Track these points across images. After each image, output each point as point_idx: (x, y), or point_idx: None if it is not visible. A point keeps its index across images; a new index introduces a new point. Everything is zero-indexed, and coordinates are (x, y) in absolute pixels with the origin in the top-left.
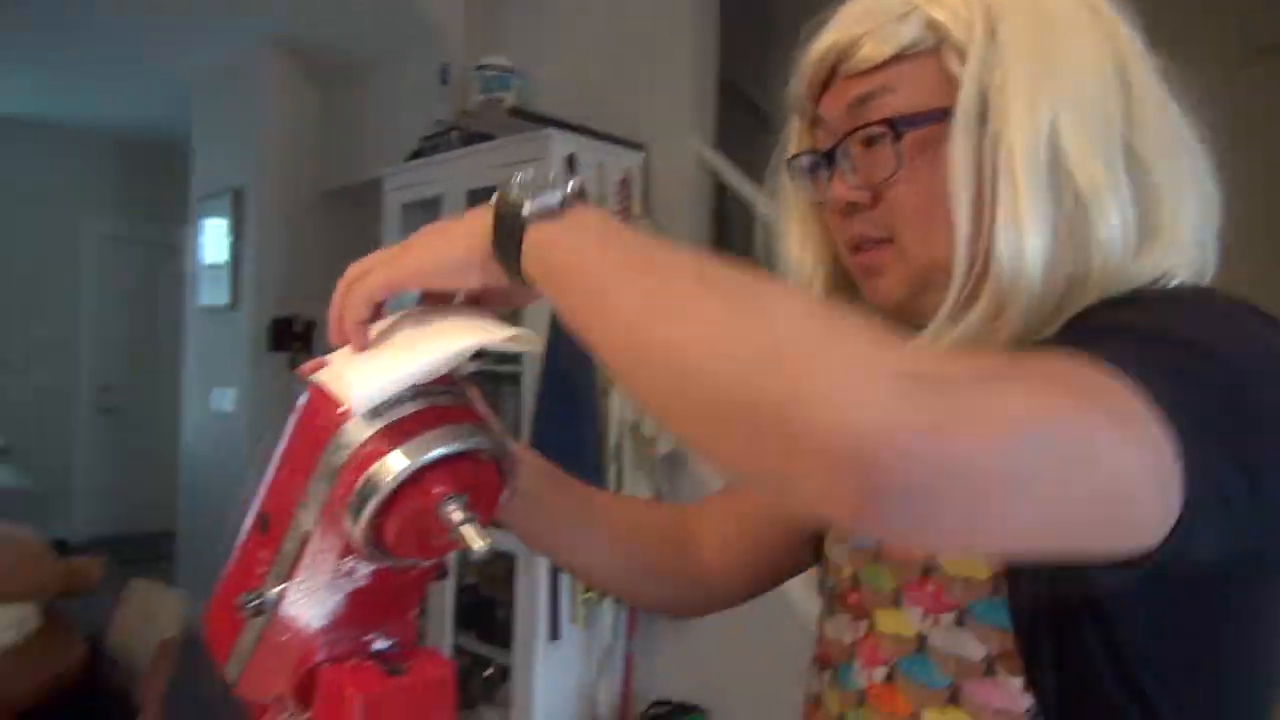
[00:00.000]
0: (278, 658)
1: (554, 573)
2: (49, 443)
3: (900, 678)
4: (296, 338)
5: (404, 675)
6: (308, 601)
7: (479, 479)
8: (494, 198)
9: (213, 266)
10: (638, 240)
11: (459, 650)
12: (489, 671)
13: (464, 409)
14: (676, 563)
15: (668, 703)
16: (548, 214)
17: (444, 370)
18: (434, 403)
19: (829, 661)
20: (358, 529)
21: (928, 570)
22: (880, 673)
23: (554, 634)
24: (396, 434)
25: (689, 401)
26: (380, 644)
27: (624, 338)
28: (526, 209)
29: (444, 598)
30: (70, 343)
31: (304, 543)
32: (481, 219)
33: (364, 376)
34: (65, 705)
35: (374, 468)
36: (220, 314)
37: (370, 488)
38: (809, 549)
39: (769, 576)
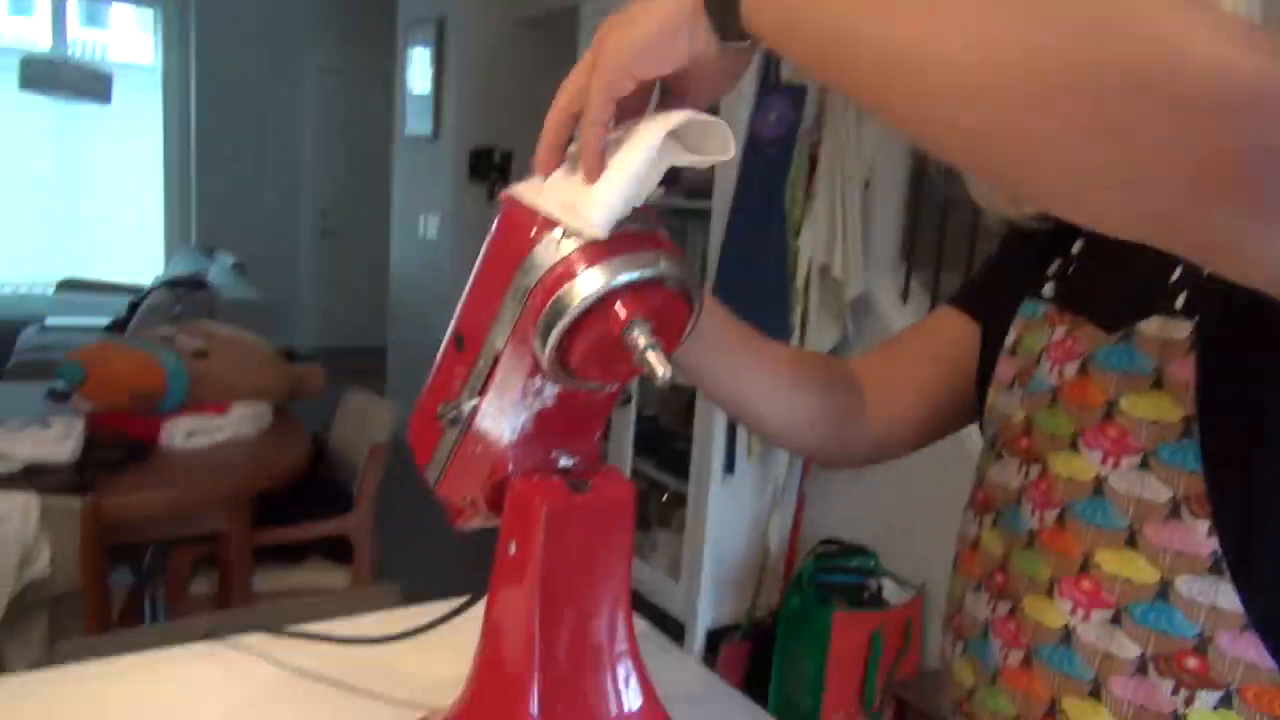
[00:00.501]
0: (471, 466)
1: None
2: (277, 262)
3: (1073, 520)
4: (494, 168)
5: (587, 492)
6: (498, 417)
7: (666, 307)
8: None
9: (418, 97)
10: None
11: (637, 475)
12: (665, 497)
13: (654, 236)
14: (844, 415)
15: (837, 541)
16: None
17: (658, 178)
18: (625, 228)
19: (991, 505)
20: (545, 349)
21: (1110, 414)
22: (1051, 515)
23: (729, 467)
24: (587, 257)
25: (998, 101)
26: (566, 461)
27: (897, 60)
28: None
29: (626, 426)
30: (295, 169)
31: (495, 361)
32: None
33: (598, 198)
34: (294, 493)
35: (563, 289)
36: (424, 143)
37: (558, 309)
38: (973, 403)
39: (933, 430)
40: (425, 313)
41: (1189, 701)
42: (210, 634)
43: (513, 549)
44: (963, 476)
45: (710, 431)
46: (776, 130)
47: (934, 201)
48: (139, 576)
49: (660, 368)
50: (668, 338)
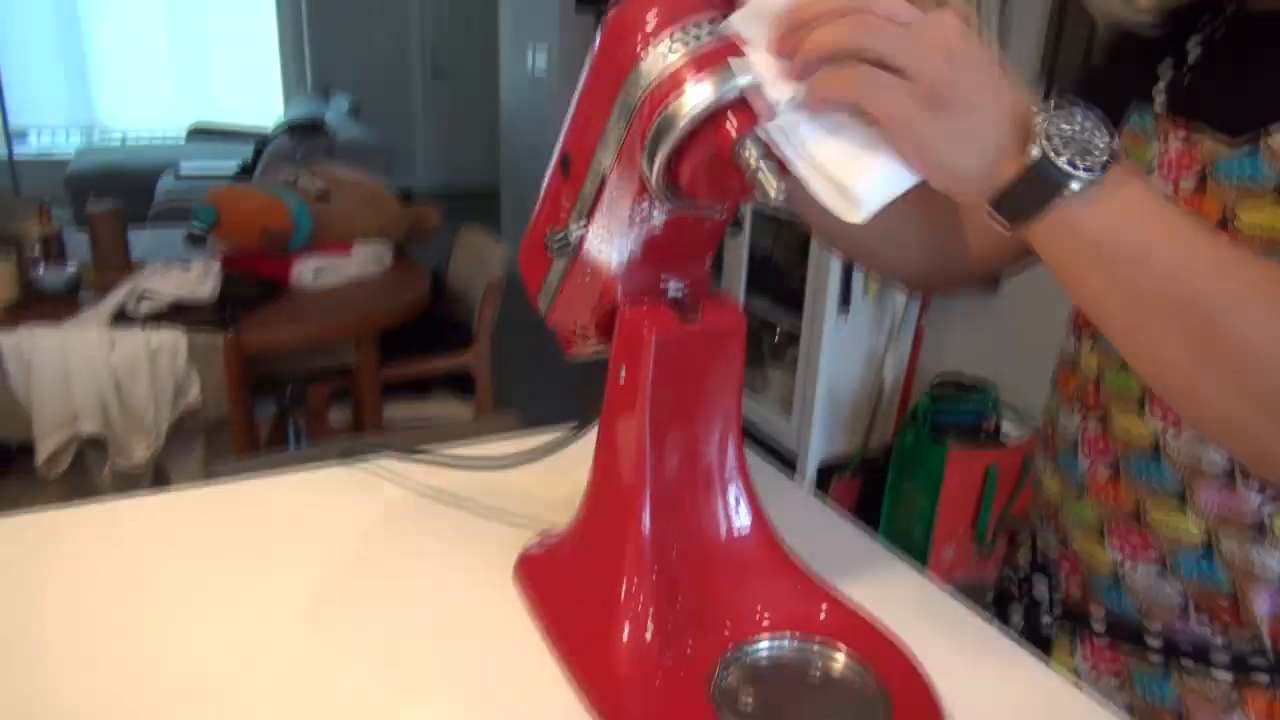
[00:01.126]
0: (581, 294)
1: None
2: (390, 102)
3: (1126, 475)
4: None
5: (697, 321)
6: (606, 242)
7: None
8: (1035, 130)
9: None
10: (1178, 211)
11: (749, 313)
12: (777, 335)
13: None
14: (947, 238)
15: (955, 377)
16: (1090, 187)
17: None
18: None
19: (1090, 325)
20: (653, 168)
21: (1224, 225)
22: (1105, 469)
23: (845, 304)
24: (697, 66)
25: (1246, 392)
26: (675, 288)
27: (1182, 325)
28: (1073, 183)
29: (739, 262)
30: (401, 6)
31: (602, 183)
32: (1012, 137)
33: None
34: (417, 330)
35: (671, 102)
36: None
37: (666, 124)
38: None
39: (1022, 261)
40: (537, 150)
41: (1278, 508)
42: (344, 454)
43: (622, 376)
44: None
45: (826, 267)
46: None
47: (1081, 12)
48: (281, 408)
49: (772, 186)
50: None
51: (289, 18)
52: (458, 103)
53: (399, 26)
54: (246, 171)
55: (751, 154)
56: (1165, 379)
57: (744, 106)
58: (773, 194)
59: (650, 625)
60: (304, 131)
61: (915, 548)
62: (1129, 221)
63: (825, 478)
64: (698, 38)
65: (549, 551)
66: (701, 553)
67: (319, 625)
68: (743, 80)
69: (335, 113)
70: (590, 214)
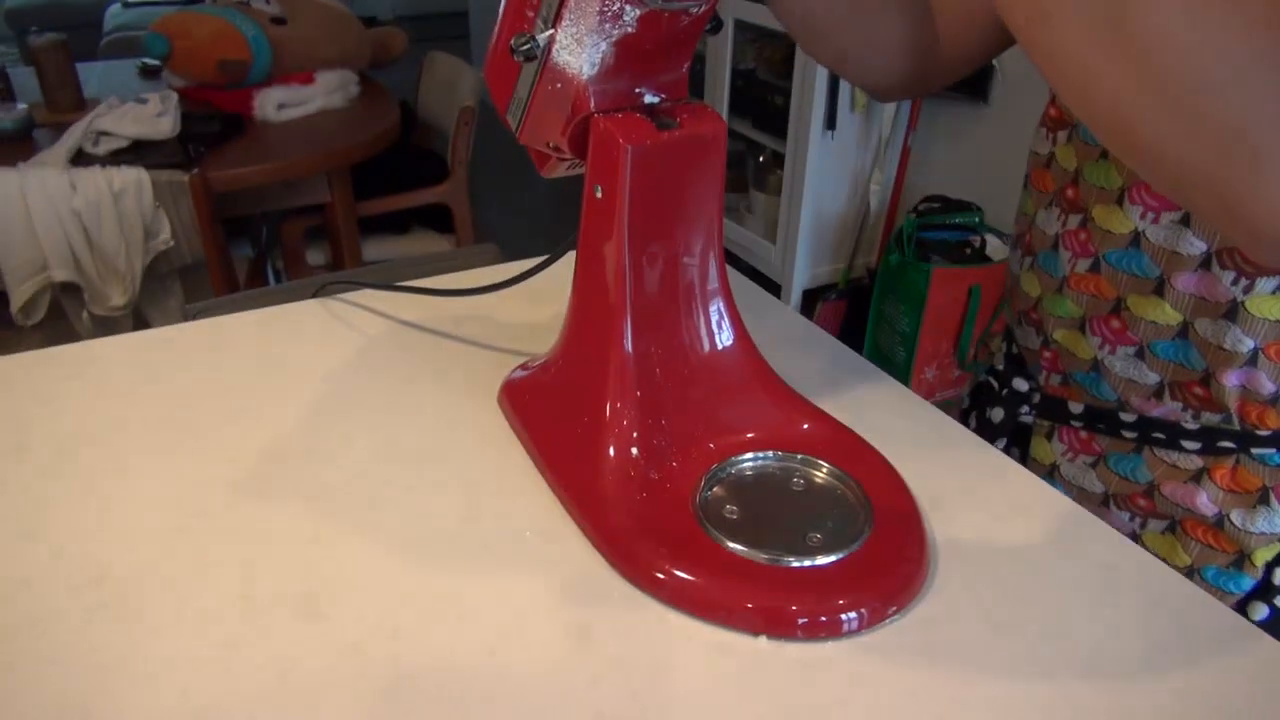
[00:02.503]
0: (552, 105)
1: None
2: None
3: (1106, 268)
4: None
5: (675, 129)
6: (576, 47)
7: None
8: None
9: None
10: None
11: (733, 135)
12: (761, 157)
13: None
14: (917, 36)
15: (941, 198)
16: None
17: None
18: None
19: (1065, 121)
20: None
21: None
22: (1085, 264)
23: (830, 123)
24: None
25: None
26: (651, 98)
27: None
28: None
29: (720, 82)
30: None
31: None
32: None
33: None
34: (387, 162)
35: None
36: None
37: None
38: None
39: (993, 51)
40: None
41: (1248, 289)
42: (321, 290)
43: (599, 193)
44: None
45: (811, 85)
46: None
47: None
48: (257, 248)
49: None
50: None
51: None
52: None
53: None
54: None
55: None
56: (1066, 76)
57: None
58: None
59: (635, 443)
60: None
61: (898, 369)
62: None
63: (811, 301)
64: None
65: (533, 375)
66: (685, 371)
67: (304, 458)
68: None
69: None
70: (557, 16)
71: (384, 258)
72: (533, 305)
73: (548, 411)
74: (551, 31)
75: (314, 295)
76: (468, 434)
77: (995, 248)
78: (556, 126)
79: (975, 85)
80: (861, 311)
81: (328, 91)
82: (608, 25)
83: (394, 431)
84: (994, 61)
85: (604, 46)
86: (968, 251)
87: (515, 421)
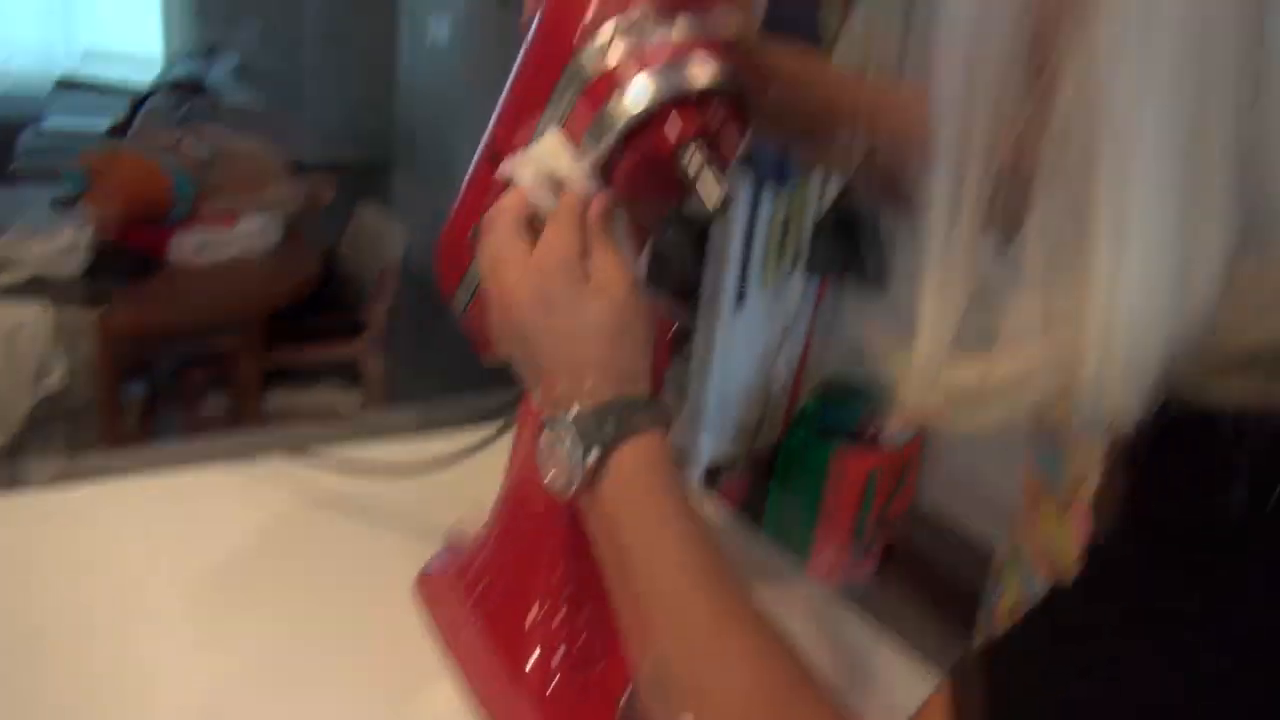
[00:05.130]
0: None
1: (748, 234)
2: (280, 67)
3: None
4: None
5: None
6: None
7: (722, 122)
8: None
9: None
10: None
11: None
12: (674, 329)
13: (711, 40)
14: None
15: (844, 380)
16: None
17: None
18: (680, 31)
19: None
20: (588, 161)
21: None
22: None
23: (740, 298)
24: (638, 62)
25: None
26: None
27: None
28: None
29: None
30: None
31: None
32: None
33: None
34: (305, 313)
35: (611, 102)
36: None
37: (606, 121)
38: None
39: None
40: (435, 124)
41: None
42: (230, 453)
43: None
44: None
45: (723, 261)
46: None
47: None
48: (151, 391)
49: (714, 192)
50: (724, 152)
51: None
52: (351, 71)
53: None
54: (119, 130)
55: (694, 159)
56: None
57: (688, 109)
58: (714, 199)
59: (562, 646)
60: (185, 91)
61: (798, 548)
62: (614, 522)
63: (716, 476)
64: (639, 31)
65: (452, 567)
66: None
67: (199, 646)
68: (682, 86)
69: (220, 73)
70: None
71: (288, 410)
72: (457, 482)
73: (466, 606)
74: None
75: (224, 459)
76: (377, 624)
77: (893, 432)
78: None
79: (880, 270)
80: (764, 487)
81: (248, 235)
82: None
83: (298, 621)
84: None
85: None
86: (869, 434)
87: (430, 612)
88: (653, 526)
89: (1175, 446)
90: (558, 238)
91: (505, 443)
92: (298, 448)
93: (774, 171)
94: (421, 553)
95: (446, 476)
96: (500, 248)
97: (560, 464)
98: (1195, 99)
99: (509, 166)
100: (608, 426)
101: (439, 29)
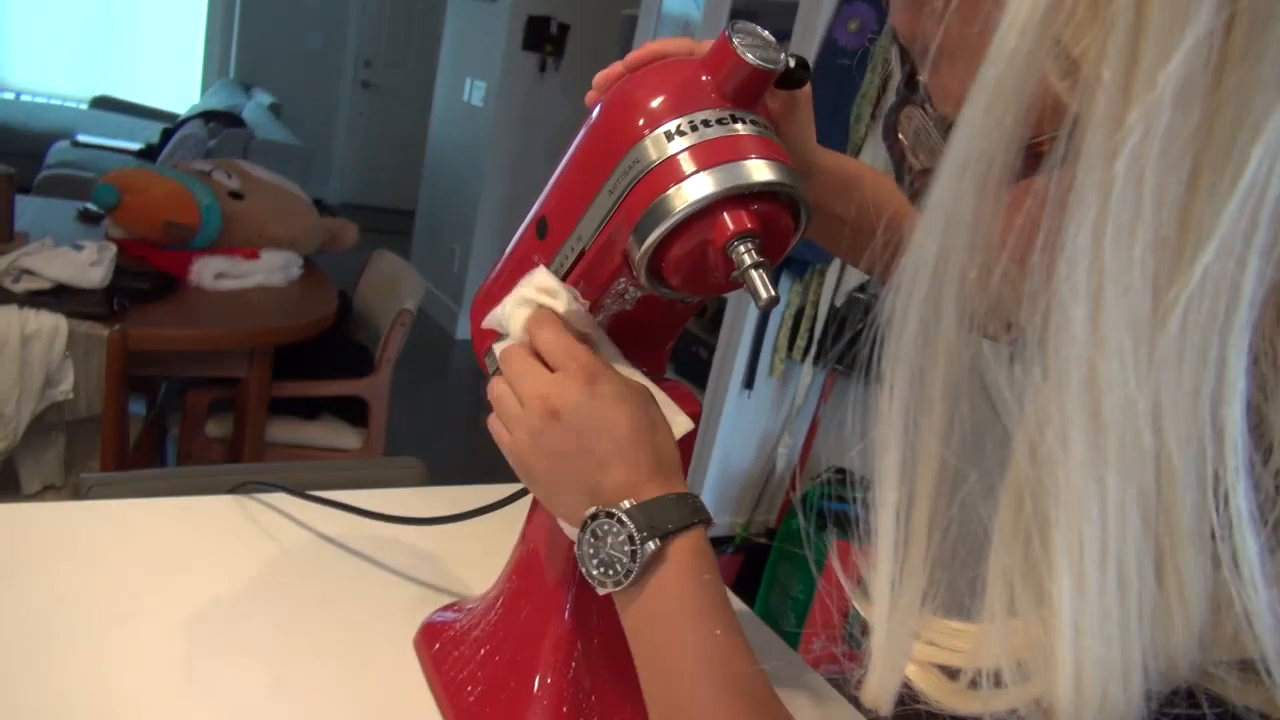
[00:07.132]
0: None
1: (760, 323)
2: (314, 108)
3: None
4: (550, 40)
5: None
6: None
7: (775, 221)
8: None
9: None
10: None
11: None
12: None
13: (769, 141)
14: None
15: (844, 472)
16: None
17: None
18: (744, 130)
19: None
20: (640, 251)
21: None
22: None
23: (749, 383)
24: (698, 160)
25: None
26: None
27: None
28: (598, 587)
29: None
30: (340, 12)
31: (581, 254)
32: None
33: None
34: (316, 348)
35: (668, 192)
36: (480, 4)
37: (663, 209)
38: None
39: None
40: (461, 181)
41: None
42: (238, 487)
43: None
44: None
45: (735, 343)
46: (855, 40)
47: None
48: (153, 409)
49: (763, 292)
50: (774, 252)
51: (221, 3)
52: (383, 118)
53: (334, 32)
54: (150, 153)
55: (746, 254)
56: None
57: (740, 205)
58: (765, 296)
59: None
60: (219, 121)
61: (787, 635)
62: (648, 625)
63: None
64: (704, 125)
65: (456, 623)
66: (620, 646)
67: (193, 682)
68: (739, 184)
69: (255, 108)
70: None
71: (288, 442)
72: (460, 539)
73: (468, 667)
74: None
75: (231, 491)
76: (375, 676)
77: None
78: None
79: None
80: (756, 570)
81: (269, 269)
82: (611, 300)
83: (294, 665)
84: None
85: (601, 316)
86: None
87: (430, 670)
88: (702, 624)
89: None
90: (563, 380)
91: (517, 504)
92: (310, 486)
93: (793, 260)
94: (424, 603)
95: (451, 531)
96: (512, 419)
97: (606, 558)
98: (1154, 486)
99: (493, 319)
100: (658, 522)
101: (474, 91)
